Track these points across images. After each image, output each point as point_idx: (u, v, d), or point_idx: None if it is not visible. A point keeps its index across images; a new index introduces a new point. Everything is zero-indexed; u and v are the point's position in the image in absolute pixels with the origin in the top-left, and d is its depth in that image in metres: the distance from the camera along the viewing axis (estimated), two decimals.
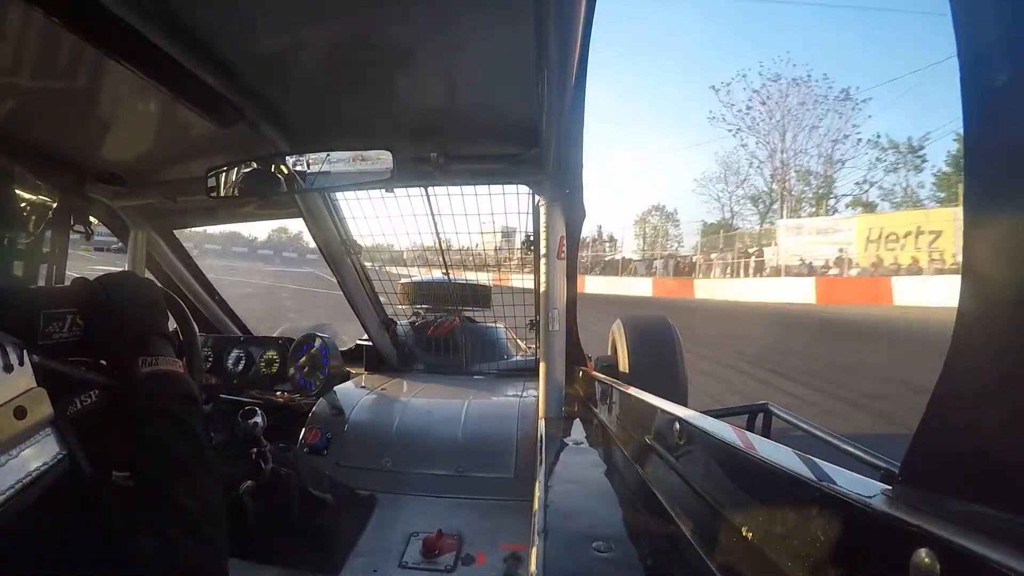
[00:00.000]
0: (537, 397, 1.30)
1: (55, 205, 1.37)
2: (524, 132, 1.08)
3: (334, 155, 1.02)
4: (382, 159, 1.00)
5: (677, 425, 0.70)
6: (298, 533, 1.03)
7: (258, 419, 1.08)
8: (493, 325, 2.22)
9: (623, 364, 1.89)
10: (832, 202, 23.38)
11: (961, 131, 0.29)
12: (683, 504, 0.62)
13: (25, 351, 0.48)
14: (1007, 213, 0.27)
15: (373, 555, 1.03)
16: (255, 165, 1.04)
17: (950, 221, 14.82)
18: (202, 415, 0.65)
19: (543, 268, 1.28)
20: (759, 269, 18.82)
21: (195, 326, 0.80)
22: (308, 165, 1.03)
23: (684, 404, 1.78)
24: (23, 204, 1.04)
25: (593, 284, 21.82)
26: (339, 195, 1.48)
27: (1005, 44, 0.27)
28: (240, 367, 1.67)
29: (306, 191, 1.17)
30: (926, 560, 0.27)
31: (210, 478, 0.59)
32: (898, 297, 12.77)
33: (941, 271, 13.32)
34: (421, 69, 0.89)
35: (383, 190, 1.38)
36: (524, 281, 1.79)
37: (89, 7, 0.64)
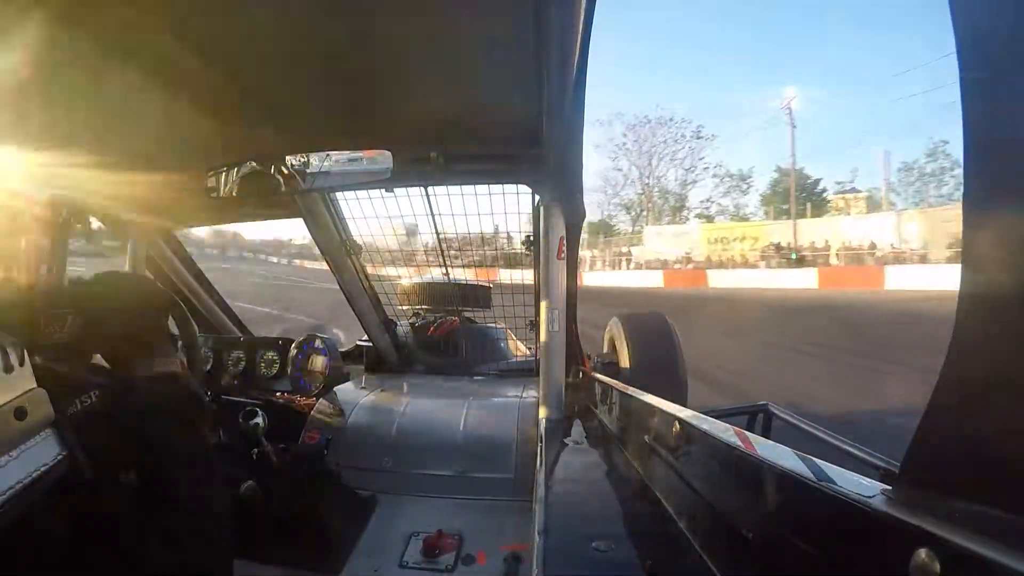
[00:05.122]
0: (537, 397, 1.30)
1: (55, 205, 1.37)
2: (524, 132, 1.08)
3: (334, 155, 1.02)
4: (382, 159, 1.00)
5: (677, 425, 0.70)
6: (299, 533, 1.03)
7: (259, 420, 1.08)
8: (493, 325, 2.22)
9: (623, 362, 1.89)
10: (685, 213, 31.87)
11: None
12: (683, 504, 0.62)
13: (25, 352, 0.48)
14: (1007, 212, 0.27)
15: (374, 555, 1.03)
16: (255, 165, 1.04)
17: (763, 231, 22.71)
18: (206, 414, 0.65)
19: (543, 268, 1.28)
20: (628, 264, 26.06)
21: (195, 327, 0.80)
22: (308, 165, 1.03)
23: (684, 399, 1.78)
24: (23, 204, 1.04)
25: (502, 276, 25.45)
26: (339, 195, 1.48)
27: (1005, 41, 0.27)
28: (240, 368, 1.67)
29: (306, 191, 1.17)
30: (926, 560, 0.27)
31: (213, 478, 0.59)
32: (711, 283, 19.64)
33: (746, 266, 20.91)
34: (421, 69, 0.89)
35: (383, 190, 1.38)
36: (524, 279, 1.78)
37: (89, 6, 0.64)
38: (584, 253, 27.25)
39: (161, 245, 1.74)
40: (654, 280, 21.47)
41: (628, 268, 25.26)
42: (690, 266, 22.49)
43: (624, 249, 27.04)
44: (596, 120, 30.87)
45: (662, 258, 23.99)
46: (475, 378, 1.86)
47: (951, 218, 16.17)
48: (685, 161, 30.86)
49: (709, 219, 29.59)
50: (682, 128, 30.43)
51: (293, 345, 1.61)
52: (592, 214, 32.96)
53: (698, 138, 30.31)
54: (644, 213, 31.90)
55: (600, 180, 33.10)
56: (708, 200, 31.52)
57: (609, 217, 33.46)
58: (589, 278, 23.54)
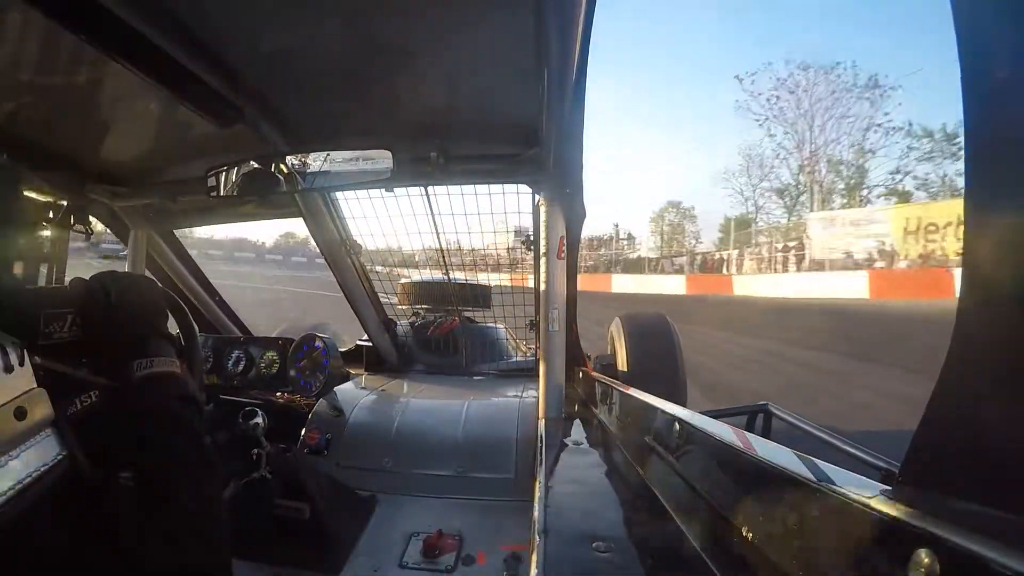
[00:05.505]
0: (537, 397, 1.30)
1: (55, 205, 1.37)
2: (524, 132, 1.08)
3: (334, 155, 1.02)
4: (382, 159, 1.00)
5: (677, 425, 0.70)
6: (299, 533, 1.03)
7: (259, 420, 1.08)
8: (493, 325, 2.22)
9: (622, 363, 1.89)
10: (864, 193, 21.36)
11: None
12: (683, 504, 0.62)
13: (25, 351, 0.48)
14: (1008, 211, 0.27)
15: (374, 555, 1.03)
16: (255, 165, 1.04)
17: None
18: (202, 416, 0.65)
19: (543, 268, 1.28)
20: (799, 263, 17.41)
21: (195, 326, 0.80)
22: (308, 165, 1.03)
23: (684, 402, 1.78)
24: (23, 204, 1.04)
25: (621, 283, 20.57)
26: (339, 195, 1.49)
27: (1006, 40, 0.27)
28: (240, 367, 1.67)
29: (306, 191, 1.17)
30: (926, 560, 0.27)
31: (212, 478, 0.59)
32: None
33: None
34: (421, 69, 0.89)
35: (383, 190, 1.38)
36: (524, 279, 1.78)
37: (89, 7, 0.64)
38: (728, 252, 20.82)
39: (161, 245, 1.75)
40: (850, 287, 13.37)
41: (799, 269, 16.91)
42: (903, 263, 14.53)
43: (790, 243, 18.51)
44: (734, 75, 22.39)
45: (851, 253, 16.04)
46: (475, 378, 1.86)
47: None
48: (859, 121, 20.56)
49: (904, 197, 19.67)
50: (852, 76, 20.44)
51: (293, 345, 1.61)
52: (732, 207, 24.70)
53: (874, 87, 20.28)
54: (803, 197, 22.06)
55: (741, 159, 23.84)
56: (897, 172, 20.47)
57: (756, 210, 23.68)
58: (740, 285, 16.64)
